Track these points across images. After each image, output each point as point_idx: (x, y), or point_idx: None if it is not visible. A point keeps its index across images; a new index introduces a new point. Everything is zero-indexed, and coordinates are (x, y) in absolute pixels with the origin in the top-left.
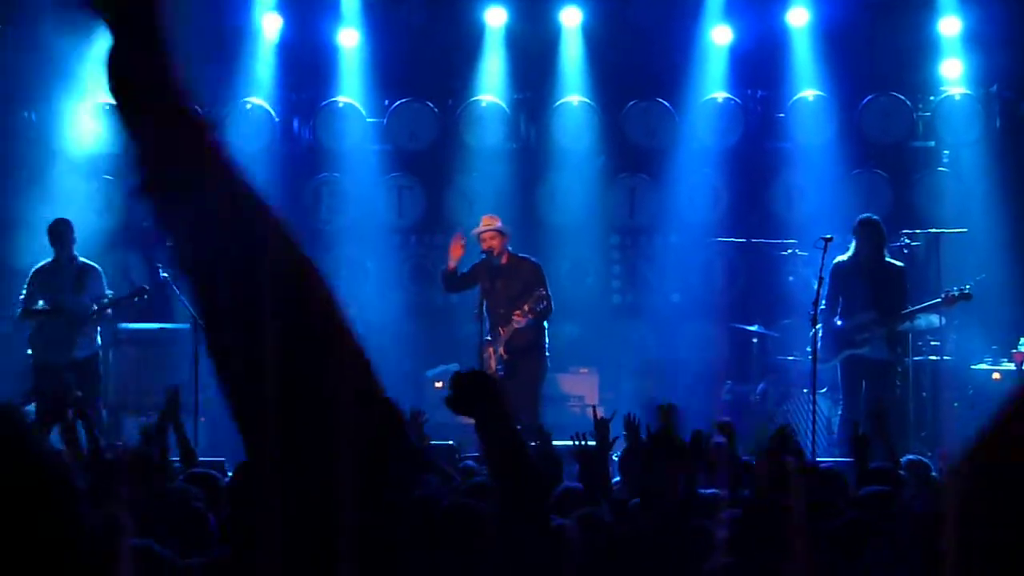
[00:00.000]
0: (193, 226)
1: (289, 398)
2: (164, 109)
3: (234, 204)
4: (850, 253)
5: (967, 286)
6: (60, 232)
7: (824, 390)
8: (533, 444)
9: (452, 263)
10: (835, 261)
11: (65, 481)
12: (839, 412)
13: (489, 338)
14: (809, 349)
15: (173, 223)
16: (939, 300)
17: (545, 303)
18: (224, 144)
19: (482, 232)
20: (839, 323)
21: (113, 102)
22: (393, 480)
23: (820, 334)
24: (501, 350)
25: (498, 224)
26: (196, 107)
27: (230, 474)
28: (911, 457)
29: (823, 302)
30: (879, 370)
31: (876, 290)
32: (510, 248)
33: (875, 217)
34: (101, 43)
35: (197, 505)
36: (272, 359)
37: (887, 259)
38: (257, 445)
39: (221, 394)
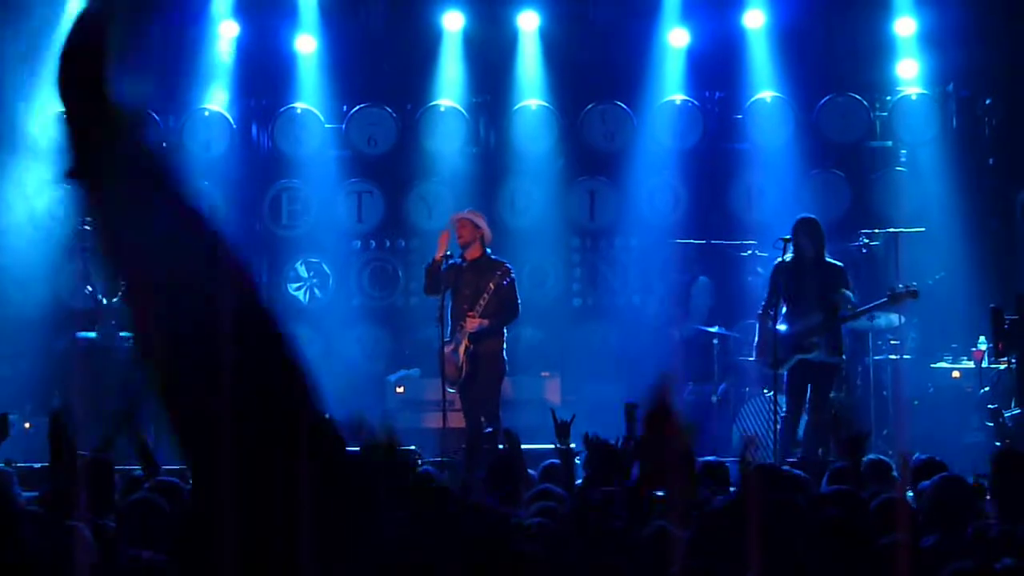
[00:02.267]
0: (130, 236)
1: (233, 421)
2: (104, 115)
3: (172, 219)
4: (791, 254)
5: (913, 283)
6: None
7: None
8: (501, 447)
9: (439, 254)
10: (776, 261)
11: (5, 504)
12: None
13: (448, 339)
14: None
15: (102, 214)
16: (885, 299)
17: (507, 308)
18: (165, 157)
19: (458, 218)
20: (784, 328)
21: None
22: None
23: (758, 338)
24: (461, 352)
25: (475, 217)
26: (142, 118)
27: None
28: (872, 456)
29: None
30: (825, 373)
31: (821, 291)
32: (489, 250)
33: (814, 217)
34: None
35: (161, 513)
36: (214, 378)
37: (827, 259)
38: (200, 471)
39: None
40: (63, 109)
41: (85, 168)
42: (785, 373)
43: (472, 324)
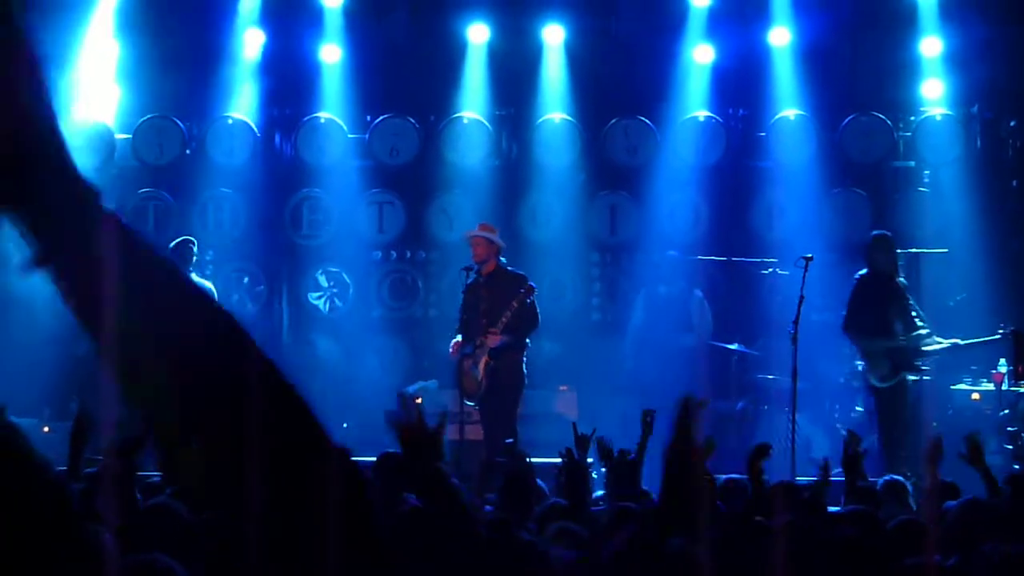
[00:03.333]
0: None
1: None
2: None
3: (137, 275)
4: (869, 270)
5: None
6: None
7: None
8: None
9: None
10: (860, 276)
11: (66, 503)
12: (843, 433)
13: (468, 351)
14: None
15: (74, 293)
16: (999, 336)
17: (526, 320)
18: (115, 213)
19: (472, 236)
20: (886, 343)
21: None
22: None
23: (866, 349)
24: (481, 366)
25: (488, 232)
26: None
27: None
28: (889, 477)
29: (844, 315)
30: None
31: (900, 309)
32: (503, 260)
33: (888, 233)
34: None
35: (182, 520)
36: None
37: (900, 277)
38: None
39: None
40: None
41: (49, 256)
42: (875, 390)
43: (493, 340)
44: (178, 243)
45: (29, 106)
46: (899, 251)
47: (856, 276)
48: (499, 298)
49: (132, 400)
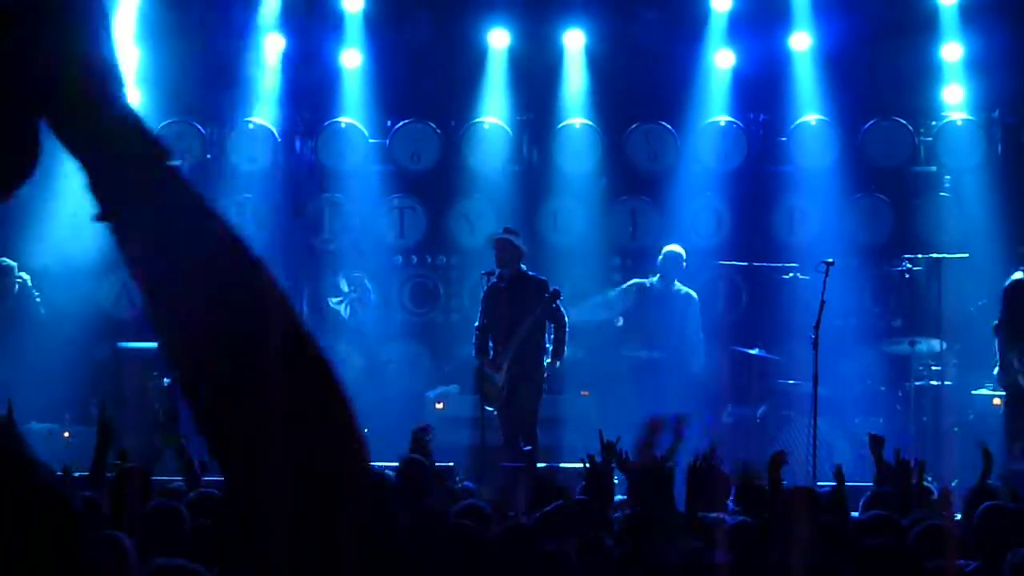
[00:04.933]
0: (156, 255)
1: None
2: (112, 129)
3: (198, 235)
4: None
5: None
6: None
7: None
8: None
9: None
10: (1015, 279)
11: (66, 506)
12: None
13: (487, 360)
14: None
15: (134, 250)
16: None
17: (560, 326)
18: (180, 170)
19: (496, 239)
20: None
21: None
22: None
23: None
24: (503, 371)
25: (512, 236)
26: (149, 130)
27: None
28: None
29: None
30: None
31: None
32: (524, 266)
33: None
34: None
35: (197, 524)
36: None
37: None
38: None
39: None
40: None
41: (115, 210)
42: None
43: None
44: None
45: (97, 55)
46: (920, 256)
47: (1011, 280)
48: (521, 303)
49: (176, 363)
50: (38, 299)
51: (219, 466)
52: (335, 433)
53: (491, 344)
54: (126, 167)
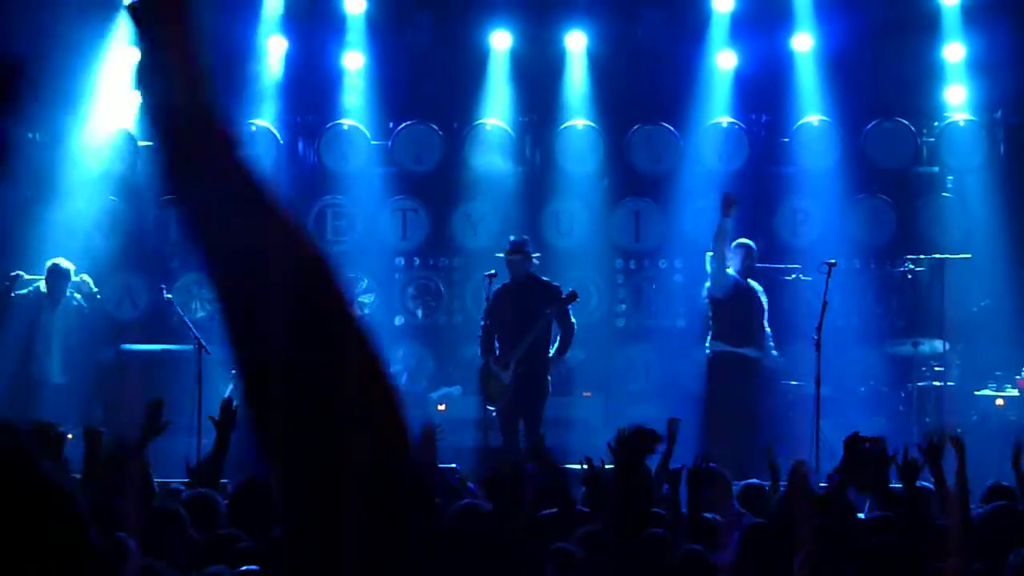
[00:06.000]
0: (220, 237)
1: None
2: (194, 123)
3: (260, 219)
4: None
5: None
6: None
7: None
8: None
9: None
10: None
11: (71, 506)
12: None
13: (493, 358)
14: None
15: (201, 234)
16: None
17: (567, 329)
18: (250, 161)
19: (507, 260)
20: None
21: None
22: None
23: None
24: (509, 373)
25: (521, 252)
26: (223, 122)
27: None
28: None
29: None
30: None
31: None
32: (532, 270)
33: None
34: (116, 59)
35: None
36: (294, 377)
37: None
38: (272, 461)
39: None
40: (158, 131)
41: (186, 193)
42: None
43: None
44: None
45: (189, 42)
46: (922, 257)
47: None
48: (528, 305)
49: (234, 344)
50: (97, 295)
51: (269, 464)
52: (387, 431)
53: (496, 344)
54: (198, 152)
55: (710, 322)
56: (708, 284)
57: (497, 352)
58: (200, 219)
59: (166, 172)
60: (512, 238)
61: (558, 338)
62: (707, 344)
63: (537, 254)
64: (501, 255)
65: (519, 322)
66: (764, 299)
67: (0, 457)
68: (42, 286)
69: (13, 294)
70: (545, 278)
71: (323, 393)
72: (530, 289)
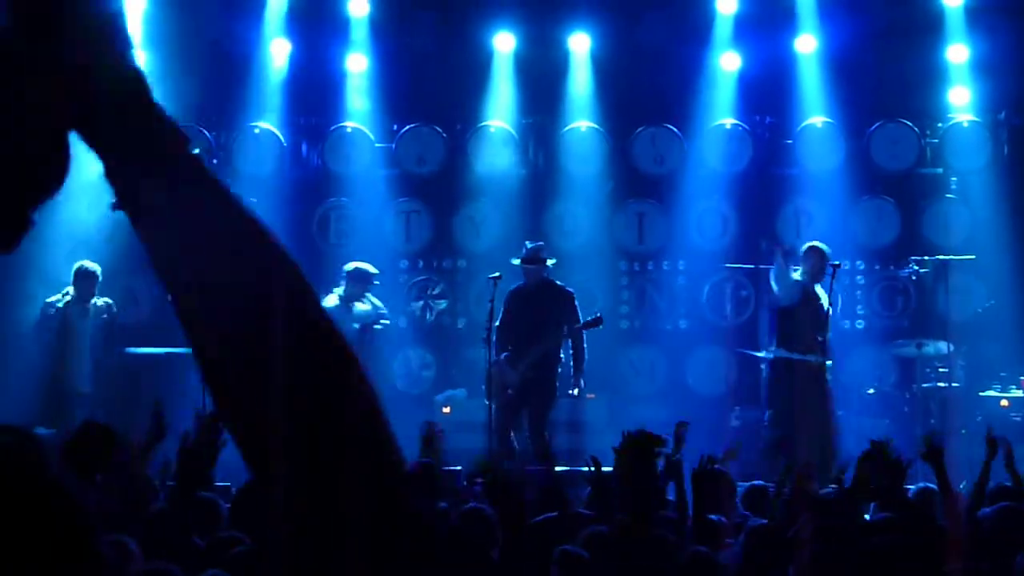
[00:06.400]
0: (177, 244)
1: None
2: (136, 119)
3: (222, 222)
4: None
5: None
6: None
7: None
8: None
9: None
10: None
11: (83, 514)
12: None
13: (506, 356)
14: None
15: (152, 239)
16: None
17: (580, 338)
18: (205, 160)
19: (523, 268)
20: None
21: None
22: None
23: None
24: (519, 374)
25: (538, 260)
26: (171, 120)
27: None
28: (922, 485)
29: None
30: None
31: None
32: (547, 274)
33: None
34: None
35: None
36: (277, 393)
37: None
38: (261, 474)
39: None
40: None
41: (133, 198)
42: None
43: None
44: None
45: (110, 42)
46: (926, 258)
47: None
48: (543, 309)
49: (197, 353)
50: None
51: (249, 465)
52: (364, 428)
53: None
54: (146, 154)
55: (774, 327)
56: (776, 292)
57: (510, 351)
58: (150, 222)
59: (110, 173)
60: (528, 244)
61: (573, 355)
62: (770, 349)
63: (553, 260)
64: (516, 261)
65: (532, 327)
66: (827, 303)
67: (9, 461)
68: (70, 292)
69: (46, 311)
70: (559, 283)
71: (312, 400)
72: (545, 294)
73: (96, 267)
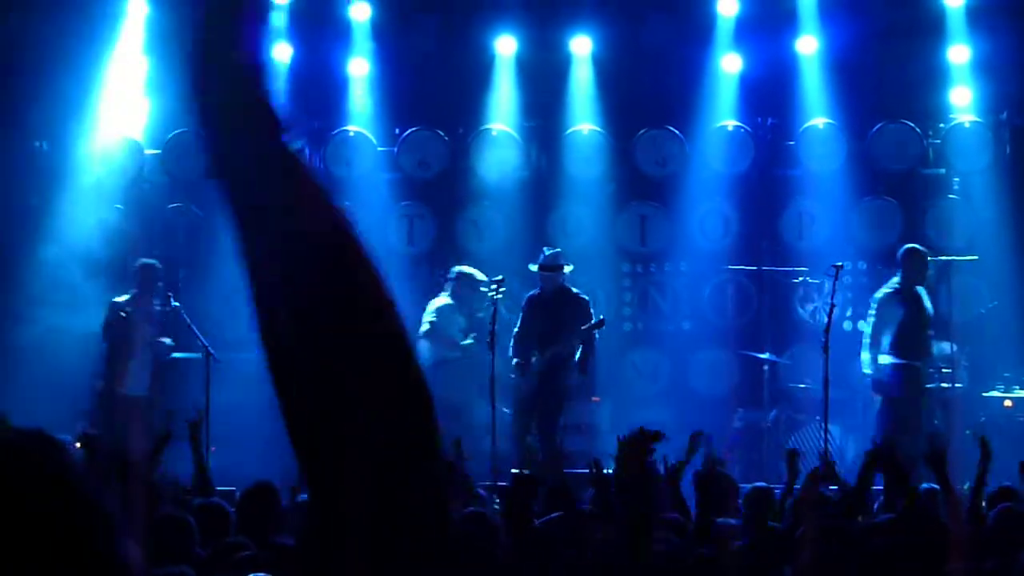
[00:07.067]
0: (263, 225)
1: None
2: (245, 100)
3: (308, 208)
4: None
5: None
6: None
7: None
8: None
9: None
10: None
11: (106, 518)
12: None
13: (519, 360)
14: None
15: (243, 221)
16: None
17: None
18: (294, 146)
19: (540, 275)
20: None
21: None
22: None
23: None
24: (535, 377)
25: (556, 266)
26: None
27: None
28: (925, 486)
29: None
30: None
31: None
32: (564, 281)
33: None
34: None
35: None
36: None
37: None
38: (307, 461)
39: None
40: (202, 105)
41: (227, 167)
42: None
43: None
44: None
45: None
46: (929, 259)
47: None
48: (560, 316)
49: (264, 332)
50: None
51: (304, 467)
52: (419, 436)
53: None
54: (250, 147)
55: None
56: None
57: (525, 355)
58: (243, 195)
59: (211, 148)
60: (546, 251)
61: (581, 357)
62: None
63: (570, 266)
64: (534, 268)
65: (548, 333)
66: (929, 304)
67: (30, 464)
68: (127, 296)
69: (109, 320)
70: (575, 290)
71: (354, 376)
72: (563, 301)
73: (156, 263)
